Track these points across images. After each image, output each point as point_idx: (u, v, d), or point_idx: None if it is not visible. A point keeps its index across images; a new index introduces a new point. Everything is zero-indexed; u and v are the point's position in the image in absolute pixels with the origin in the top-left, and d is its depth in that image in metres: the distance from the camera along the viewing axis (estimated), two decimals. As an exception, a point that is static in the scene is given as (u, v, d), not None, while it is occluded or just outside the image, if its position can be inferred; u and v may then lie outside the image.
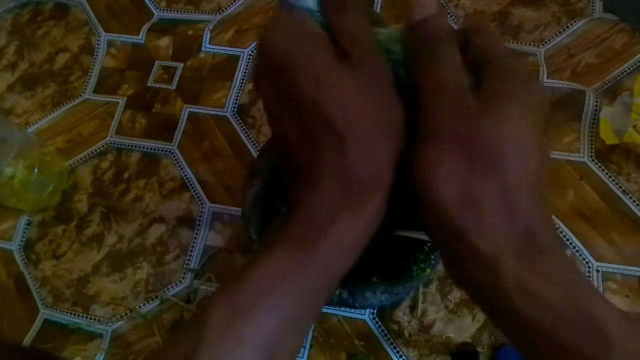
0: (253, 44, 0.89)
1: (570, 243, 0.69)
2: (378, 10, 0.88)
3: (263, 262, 0.20)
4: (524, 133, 0.19)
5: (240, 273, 0.21)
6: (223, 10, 0.94)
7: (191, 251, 0.75)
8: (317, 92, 0.20)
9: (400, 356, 0.66)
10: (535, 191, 0.19)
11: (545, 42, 0.82)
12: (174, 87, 0.88)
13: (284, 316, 0.20)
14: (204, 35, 0.91)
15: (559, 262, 0.19)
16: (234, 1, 0.94)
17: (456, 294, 0.68)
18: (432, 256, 0.47)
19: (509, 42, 0.82)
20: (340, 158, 0.20)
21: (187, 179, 0.80)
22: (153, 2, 0.97)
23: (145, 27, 0.94)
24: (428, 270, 0.48)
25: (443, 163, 0.19)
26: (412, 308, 0.68)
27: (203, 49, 0.90)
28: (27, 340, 0.73)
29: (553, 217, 0.70)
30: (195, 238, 0.76)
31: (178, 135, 0.84)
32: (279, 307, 0.20)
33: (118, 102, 0.88)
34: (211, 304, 0.20)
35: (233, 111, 0.84)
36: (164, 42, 0.93)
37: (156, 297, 0.73)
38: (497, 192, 0.19)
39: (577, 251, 0.68)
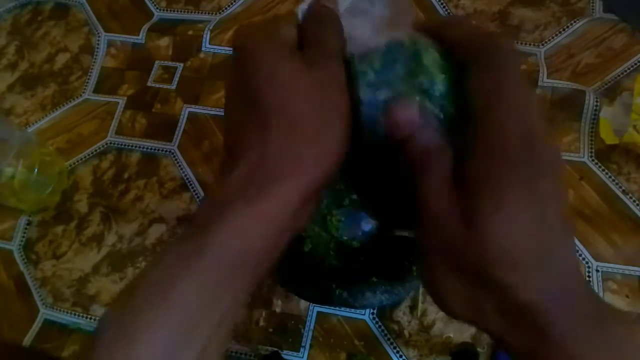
0: (253, 44, 0.89)
1: (570, 243, 0.69)
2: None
3: (157, 262, 0.20)
4: (511, 235, 0.19)
5: (137, 277, 0.20)
6: (223, 10, 0.94)
7: (191, 251, 0.75)
8: (262, 81, 0.20)
9: (400, 356, 0.66)
10: (539, 277, 0.19)
11: (545, 42, 0.82)
12: (174, 87, 0.88)
13: (178, 319, 0.19)
14: (204, 35, 0.91)
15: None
16: (234, 1, 0.94)
17: (456, 294, 0.68)
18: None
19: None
20: (261, 143, 0.20)
21: (187, 179, 0.80)
22: (153, 2, 0.97)
23: (145, 27, 0.94)
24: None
25: (442, 281, 0.20)
26: (412, 308, 0.68)
27: (203, 49, 0.90)
28: (27, 340, 0.73)
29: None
30: (195, 238, 0.76)
31: (178, 135, 0.84)
32: (170, 311, 0.19)
33: (118, 102, 0.88)
34: (101, 322, 0.19)
35: (233, 111, 0.84)
36: (164, 42, 0.93)
37: (156, 297, 0.73)
38: (490, 296, 0.19)
39: (577, 251, 0.68)
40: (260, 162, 0.19)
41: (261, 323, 0.70)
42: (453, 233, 0.19)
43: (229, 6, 0.94)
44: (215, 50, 0.90)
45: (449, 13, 0.86)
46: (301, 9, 0.24)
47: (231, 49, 0.22)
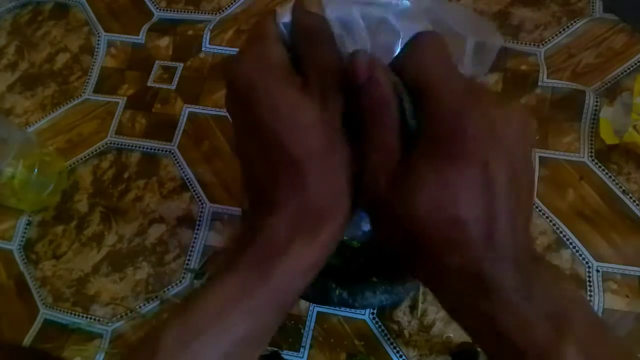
0: (253, 44, 0.89)
1: (570, 243, 0.69)
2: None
3: (218, 286, 0.21)
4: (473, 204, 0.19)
5: (194, 296, 0.21)
6: (223, 10, 0.94)
7: (191, 251, 0.75)
8: (276, 122, 0.20)
9: (400, 356, 0.66)
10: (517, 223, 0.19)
11: (545, 42, 0.82)
12: (174, 87, 0.88)
13: (238, 336, 0.21)
14: (204, 35, 0.91)
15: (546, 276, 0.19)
16: (234, 1, 0.94)
17: (456, 294, 0.68)
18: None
19: (509, 42, 0.82)
20: (298, 185, 0.21)
21: (187, 179, 0.80)
22: (153, 2, 0.97)
23: (145, 27, 0.94)
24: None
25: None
26: (412, 308, 0.68)
27: (203, 49, 0.90)
28: (27, 340, 0.73)
29: (553, 217, 0.70)
30: (195, 238, 0.76)
31: (178, 135, 0.84)
32: (232, 328, 0.20)
33: (118, 102, 0.88)
34: (164, 325, 0.21)
35: (233, 111, 0.84)
36: (164, 42, 0.93)
37: (156, 297, 0.73)
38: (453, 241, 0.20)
39: (577, 251, 0.68)
40: (301, 211, 0.21)
41: (261, 323, 0.70)
42: (387, 183, 0.20)
43: (229, 6, 0.94)
44: (215, 50, 0.90)
45: (449, 13, 0.86)
46: (281, 20, 0.23)
47: (225, 83, 0.23)
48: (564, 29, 0.82)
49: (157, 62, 0.91)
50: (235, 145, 0.23)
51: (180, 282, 0.74)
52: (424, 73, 0.21)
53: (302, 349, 0.67)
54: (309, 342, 0.68)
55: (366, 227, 0.35)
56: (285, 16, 0.23)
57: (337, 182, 0.21)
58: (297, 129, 0.21)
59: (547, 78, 0.79)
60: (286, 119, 0.21)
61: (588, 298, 0.66)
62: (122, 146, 0.85)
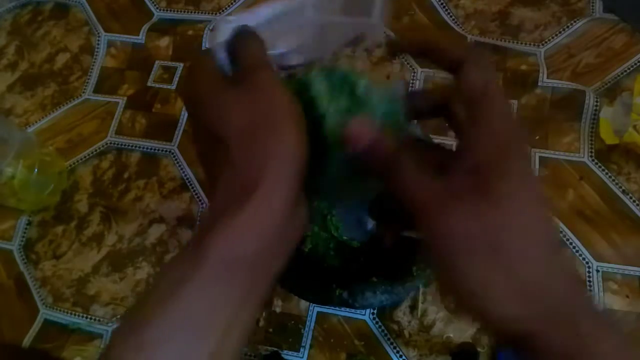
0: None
1: (570, 243, 0.69)
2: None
3: (161, 276, 0.21)
4: (524, 211, 0.20)
5: (145, 290, 0.22)
6: (223, 10, 0.94)
7: (191, 251, 0.75)
8: (207, 113, 0.23)
9: (400, 356, 0.66)
10: (546, 258, 0.20)
11: (545, 42, 0.82)
12: (174, 87, 0.88)
13: (185, 324, 0.20)
14: (204, 35, 0.91)
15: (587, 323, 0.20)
16: (234, 1, 0.94)
17: (456, 294, 0.68)
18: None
19: (509, 42, 0.82)
20: (228, 163, 0.22)
21: (187, 179, 0.80)
22: (153, 2, 0.97)
23: (145, 27, 0.94)
24: (428, 271, 0.48)
25: (461, 267, 0.20)
26: (412, 308, 0.68)
27: (203, 48, 0.90)
28: (27, 340, 0.73)
29: (554, 217, 0.70)
30: (195, 238, 0.76)
31: (178, 135, 0.84)
32: (177, 317, 0.20)
33: (118, 102, 0.88)
34: (113, 333, 0.22)
35: (233, 111, 0.84)
36: (164, 42, 0.93)
37: (156, 297, 0.73)
38: (504, 271, 0.20)
39: (577, 251, 0.68)
40: (230, 179, 0.22)
41: (261, 323, 0.70)
42: (456, 208, 0.20)
43: (229, 6, 0.94)
44: (215, 50, 0.90)
45: (449, 13, 0.86)
46: (217, 40, 0.26)
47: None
48: (564, 29, 0.82)
49: (157, 62, 0.91)
50: (197, 156, 0.25)
51: (180, 282, 0.74)
52: (486, 91, 0.22)
53: (302, 349, 0.67)
54: (309, 342, 0.68)
55: (366, 227, 0.35)
56: (219, 38, 0.26)
57: (264, 151, 0.21)
58: (223, 114, 0.22)
59: (547, 78, 0.79)
60: (214, 107, 0.23)
61: (588, 298, 0.66)
62: (122, 146, 0.85)
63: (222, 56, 0.25)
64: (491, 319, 0.20)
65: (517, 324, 0.20)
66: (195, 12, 0.94)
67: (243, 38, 0.25)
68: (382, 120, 0.24)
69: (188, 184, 0.80)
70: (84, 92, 0.90)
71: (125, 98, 0.88)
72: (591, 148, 0.73)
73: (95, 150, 0.85)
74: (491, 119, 0.21)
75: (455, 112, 0.24)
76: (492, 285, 0.20)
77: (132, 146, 0.84)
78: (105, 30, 0.96)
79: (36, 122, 0.89)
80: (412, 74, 0.82)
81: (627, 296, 0.65)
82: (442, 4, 0.87)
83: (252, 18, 0.26)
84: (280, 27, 0.27)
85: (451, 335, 0.66)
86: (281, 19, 0.27)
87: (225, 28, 0.25)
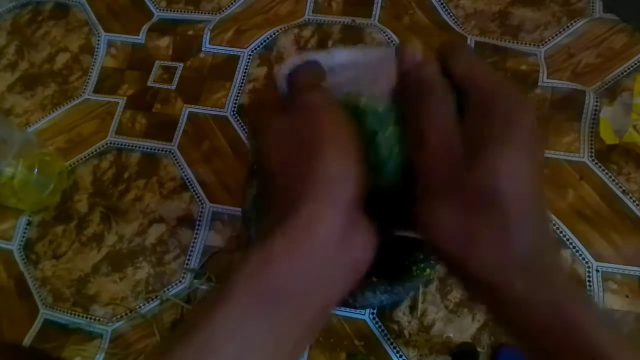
0: (253, 44, 0.89)
1: (570, 243, 0.69)
2: (378, 10, 0.88)
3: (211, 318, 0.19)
4: (513, 174, 0.21)
5: (188, 329, 0.19)
6: (223, 10, 0.94)
7: (191, 251, 0.75)
8: (262, 141, 0.23)
9: (400, 356, 0.66)
10: (529, 218, 0.21)
11: (545, 42, 0.82)
12: (174, 87, 0.88)
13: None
14: (204, 35, 0.91)
15: (551, 274, 0.21)
16: (234, 1, 0.94)
17: (456, 294, 0.68)
18: (432, 256, 0.47)
19: (509, 42, 0.82)
20: (272, 196, 0.22)
21: (187, 179, 0.80)
22: (153, 2, 0.97)
23: (145, 27, 0.94)
24: (428, 270, 0.48)
25: (440, 216, 0.21)
26: (412, 308, 0.68)
27: (203, 49, 0.90)
28: (27, 340, 0.73)
29: (553, 217, 0.70)
30: (195, 238, 0.76)
31: (178, 135, 0.84)
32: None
33: (118, 102, 0.88)
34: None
35: (233, 111, 0.84)
36: (164, 42, 0.93)
37: (156, 297, 0.73)
38: (493, 230, 0.21)
39: (577, 251, 0.68)
40: (273, 206, 0.21)
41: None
42: (458, 162, 0.21)
43: (229, 6, 0.94)
44: (216, 50, 0.90)
45: (449, 13, 0.86)
46: (282, 72, 0.26)
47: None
48: (564, 29, 0.82)
49: (157, 62, 0.91)
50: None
51: (180, 282, 0.74)
52: (475, 72, 0.23)
53: (302, 349, 0.67)
54: (309, 342, 0.68)
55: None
56: (285, 66, 0.26)
57: (307, 173, 0.21)
58: (270, 140, 0.22)
59: (547, 78, 0.79)
60: (265, 136, 0.23)
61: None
62: (122, 146, 0.85)
63: (283, 86, 0.26)
64: (468, 265, 0.21)
65: (493, 274, 0.21)
66: (195, 12, 0.94)
67: (301, 67, 0.25)
68: None
69: (188, 184, 0.80)
70: (83, 92, 0.90)
71: (125, 98, 0.88)
72: (591, 148, 0.73)
73: (95, 150, 0.85)
74: (490, 97, 0.22)
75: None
76: (477, 234, 0.21)
77: (132, 146, 0.84)
78: (105, 30, 0.96)
79: (36, 122, 0.89)
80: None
81: (627, 296, 0.65)
82: (442, 3, 0.87)
83: (327, 58, 0.26)
84: (353, 74, 0.26)
85: (451, 335, 0.66)
86: (357, 66, 0.26)
87: (293, 62, 0.26)
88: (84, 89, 0.90)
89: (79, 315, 0.74)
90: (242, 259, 0.19)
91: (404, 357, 0.66)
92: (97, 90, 0.90)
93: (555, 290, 0.20)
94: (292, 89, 0.25)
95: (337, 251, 0.20)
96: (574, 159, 0.73)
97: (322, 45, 0.87)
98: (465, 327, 0.66)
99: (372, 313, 0.68)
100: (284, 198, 0.20)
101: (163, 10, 0.96)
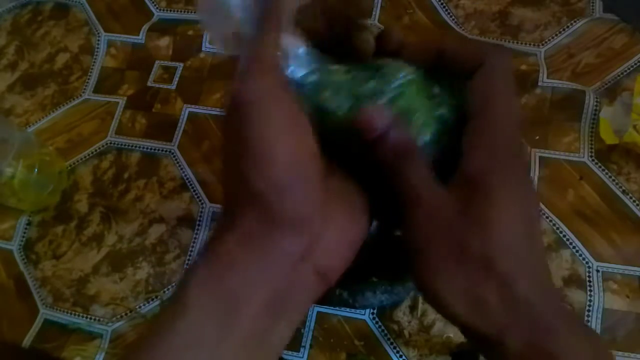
0: (253, 44, 0.89)
1: (570, 243, 0.69)
2: (378, 10, 0.88)
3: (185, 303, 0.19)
4: (511, 229, 0.20)
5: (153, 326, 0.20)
6: (223, 10, 0.94)
7: (191, 251, 0.75)
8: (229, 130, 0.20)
9: (400, 356, 0.66)
10: (532, 274, 0.20)
11: (545, 42, 0.82)
12: (174, 87, 0.88)
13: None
14: (204, 35, 0.91)
15: (555, 330, 0.20)
16: None
17: (456, 294, 0.68)
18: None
19: (509, 42, 0.82)
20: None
21: (187, 179, 0.80)
22: (153, 2, 0.97)
23: (145, 27, 0.94)
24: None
25: (443, 282, 0.20)
26: (412, 308, 0.68)
27: (203, 49, 0.90)
28: (27, 340, 0.73)
29: (553, 217, 0.70)
30: (195, 238, 0.76)
31: (178, 135, 0.84)
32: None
33: (118, 102, 0.88)
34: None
35: (233, 111, 0.84)
36: (164, 42, 0.93)
37: (156, 297, 0.73)
38: (498, 293, 0.20)
39: (577, 251, 0.68)
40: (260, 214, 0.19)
41: (261, 323, 0.70)
42: (450, 221, 0.20)
43: (229, 6, 0.94)
44: (215, 51, 0.90)
45: (449, 13, 0.86)
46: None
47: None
48: (564, 29, 0.82)
49: (157, 62, 0.91)
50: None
51: (180, 282, 0.74)
52: (495, 100, 0.21)
53: (302, 349, 0.67)
54: (309, 342, 0.68)
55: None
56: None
57: (237, 180, 0.20)
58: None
59: (547, 78, 0.79)
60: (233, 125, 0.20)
61: (588, 298, 0.66)
62: (122, 146, 0.85)
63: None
64: (477, 327, 0.20)
65: (500, 335, 0.20)
66: (195, 12, 0.94)
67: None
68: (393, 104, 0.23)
69: (188, 184, 0.80)
70: (83, 92, 0.90)
71: (125, 98, 0.88)
72: (591, 148, 0.73)
73: (95, 150, 0.85)
74: (493, 131, 0.20)
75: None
76: (478, 296, 0.20)
77: (132, 146, 0.84)
78: (105, 30, 0.96)
79: (36, 122, 0.89)
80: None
81: (627, 296, 0.65)
82: (442, 3, 0.87)
83: None
84: None
85: (451, 335, 0.66)
86: None
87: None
88: (84, 89, 0.90)
89: (79, 315, 0.74)
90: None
91: (404, 357, 0.66)
92: (97, 90, 0.90)
93: (558, 346, 0.19)
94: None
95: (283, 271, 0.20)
96: (574, 159, 0.73)
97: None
98: (465, 327, 0.66)
99: (372, 313, 0.68)
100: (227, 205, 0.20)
101: (163, 10, 0.96)
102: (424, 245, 0.21)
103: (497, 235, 0.19)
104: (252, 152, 0.19)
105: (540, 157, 0.74)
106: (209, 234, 0.76)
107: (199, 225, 0.77)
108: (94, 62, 0.93)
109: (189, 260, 0.75)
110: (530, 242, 0.20)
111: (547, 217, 0.70)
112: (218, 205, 0.78)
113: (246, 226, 0.19)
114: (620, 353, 0.62)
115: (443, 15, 0.86)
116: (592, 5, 0.83)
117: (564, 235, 0.69)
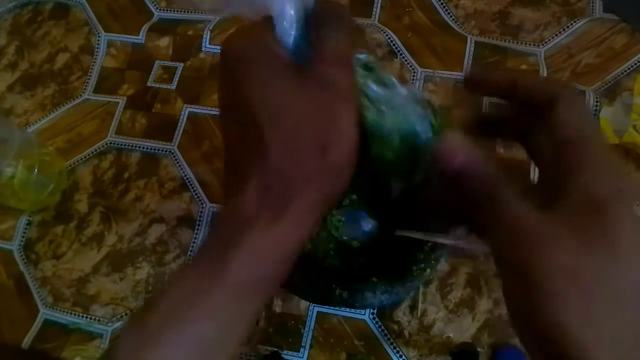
0: (253, 44, 0.89)
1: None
2: (378, 10, 0.88)
3: (176, 283, 0.20)
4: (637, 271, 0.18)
5: (153, 298, 0.20)
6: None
7: (191, 251, 0.75)
8: (255, 91, 0.19)
9: (400, 356, 0.66)
10: None
11: (545, 42, 0.82)
12: (174, 87, 0.88)
13: (196, 339, 0.19)
14: (204, 35, 0.91)
15: None
16: (234, 1, 0.94)
17: (456, 294, 0.68)
18: (432, 256, 0.47)
19: (509, 42, 0.82)
20: (263, 164, 0.19)
21: (187, 179, 0.80)
22: (153, 2, 0.97)
23: (145, 27, 0.94)
24: (428, 270, 0.48)
25: (570, 318, 0.18)
26: (412, 308, 0.68)
27: (203, 49, 0.90)
28: (27, 340, 0.73)
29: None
30: (195, 238, 0.76)
31: (178, 135, 0.84)
32: (189, 330, 0.19)
33: (118, 102, 0.88)
34: (122, 331, 0.20)
35: (233, 111, 0.84)
36: (164, 42, 0.92)
37: (156, 297, 0.73)
38: (623, 338, 0.18)
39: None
40: (267, 184, 0.19)
41: (261, 323, 0.70)
42: (570, 251, 0.18)
43: None
44: (216, 50, 0.90)
45: (449, 13, 0.86)
46: (286, 11, 0.21)
47: (220, 55, 0.21)
48: (564, 29, 0.82)
49: (157, 62, 0.91)
50: (220, 124, 0.22)
51: (180, 282, 0.74)
52: (591, 128, 0.19)
53: (302, 349, 0.67)
54: (309, 342, 0.68)
55: (366, 227, 0.35)
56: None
57: (308, 164, 0.19)
58: (274, 104, 0.19)
59: (547, 78, 0.79)
60: (264, 89, 0.19)
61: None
62: (122, 146, 0.85)
63: (289, 28, 0.21)
64: (557, 352, 0.18)
65: None
66: (195, 12, 0.94)
67: (333, 18, 0.21)
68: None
69: (188, 184, 0.80)
70: (84, 92, 0.90)
71: (125, 98, 0.88)
72: (591, 148, 0.73)
73: (95, 150, 0.85)
74: (596, 164, 0.19)
75: (539, 146, 0.21)
76: (586, 329, 0.17)
77: (132, 146, 0.84)
78: (105, 30, 0.96)
79: (36, 122, 0.89)
80: (412, 74, 0.82)
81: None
82: (442, 3, 0.87)
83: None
84: None
85: (451, 335, 0.66)
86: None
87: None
88: (84, 89, 0.90)
89: (79, 315, 0.73)
90: (233, 239, 0.19)
91: (404, 357, 0.66)
92: (97, 90, 0.90)
93: None
94: (319, 49, 0.20)
95: (292, 243, 0.20)
96: (574, 159, 0.73)
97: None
98: (465, 327, 0.66)
99: (372, 313, 0.68)
100: (281, 180, 0.19)
101: (163, 10, 0.96)
102: (542, 280, 0.18)
103: (623, 267, 0.17)
104: (345, 148, 0.19)
105: (540, 157, 0.74)
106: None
107: (198, 225, 0.77)
108: (94, 62, 0.93)
109: (188, 260, 0.75)
110: None
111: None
112: (218, 205, 0.78)
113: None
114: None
115: (443, 15, 0.86)
116: (592, 5, 0.83)
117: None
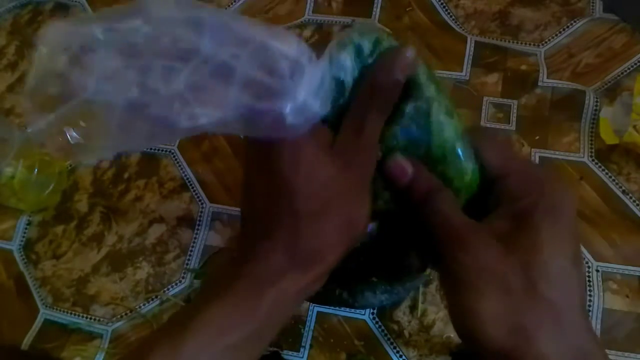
0: (253, 44, 0.89)
1: (570, 243, 0.69)
2: (378, 10, 0.88)
3: (209, 312, 0.22)
4: (557, 265, 0.21)
5: (184, 320, 0.23)
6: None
7: (191, 251, 0.75)
8: (291, 172, 0.23)
9: (400, 356, 0.66)
10: (579, 312, 0.21)
11: (545, 42, 0.82)
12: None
13: None
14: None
15: None
16: (234, 1, 0.94)
17: (456, 294, 0.68)
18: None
19: (509, 42, 0.82)
20: (294, 225, 0.23)
21: (187, 179, 0.80)
22: (153, 2, 0.96)
23: (145, 27, 0.94)
24: (428, 270, 0.48)
25: (486, 310, 0.21)
26: (412, 308, 0.68)
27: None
28: (27, 340, 0.73)
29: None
30: (195, 238, 0.76)
31: (178, 135, 0.84)
32: (222, 357, 0.22)
33: (118, 102, 0.88)
34: (151, 346, 0.22)
35: (233, 111, 0.84)
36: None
37: (156, 297, 0.73)
38: (544, 322, 0.21)
39: (577, 251, 0.68)
40: (297, 247, 0.23)
41: (261, 323, 0.70)
42: (493, 250, 0.22)
43: (229, 6, 0.94)
44: (215, 50, 0.90)
45: (448, 13, 0.86)
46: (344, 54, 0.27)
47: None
48: (564, 29, 0.82)
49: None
50: (245, 173, 0.27)
51: (180, 282, 0.74)
52: (508, 163, 0.24)
53: (302, 349, 0.67)
54: (309, 342, 0.68)
55: (367, 227, 0.35)
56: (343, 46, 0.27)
57: (331, 239, 0.23)
58: (309, 183, 0.23)
59: (547, 78, 0.79)
60: (301, 172, 0.23)
61: (588, 298, 0.66)
62: (122, 146, 0.84)
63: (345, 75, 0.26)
64: (500, 349, 0.21)
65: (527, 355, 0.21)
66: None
67: (374, 106, 0.25)
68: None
69: (188, 184, 0.80)
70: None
71: (125, 98, 0.88)
72: (591, 148, 0.73)
73: (95, 150, 0.85)
74: (518, 184, 0.23)
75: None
76: (520, 322, 0.21)
77: (132, 146, 0.84)
78: (105, 30, 0.95)
79: (36, 122, 0.89)
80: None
81: (627, 296, 0.65)
82: (441, 3, 0.87)
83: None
84: None
85: (451, 335, 0.66)
86: None
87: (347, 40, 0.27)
88: (84, 89, 0.90)
89: (79, 315, 0.74)
90: (268, 279, 0.23)
91: (404, 357, 0.66)
92: (97, 90, 0.90)
93: None
94: (358, 112, 0.24)
95: (303, 295, 0.25)
96: (574, 159, 0.73)
97: (322, 44, 0.87)
98: (465, 327, 0.66)
99: (372, 313, 0.68)
100: (310, 236, 0.23)
101: (163, 10, 0.96)
102: (466, 274, 0.23)
103: (544, 263, 0.21)
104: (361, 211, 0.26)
105: (540, 157, 0.74)
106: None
107: (198, 225, 0.77)
108: (94, 62, 0.93)
109: (189, 260, 0.75)
110: (575, 276, 0.22)
111: (547, 217, 0.70)
112: (218, 205, 0.78)
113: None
114: (620, 353, 0.62)
115: (443, 15, 0.86)
116: (592, 5, 0.83)
117: (564, 235, 0.69)
